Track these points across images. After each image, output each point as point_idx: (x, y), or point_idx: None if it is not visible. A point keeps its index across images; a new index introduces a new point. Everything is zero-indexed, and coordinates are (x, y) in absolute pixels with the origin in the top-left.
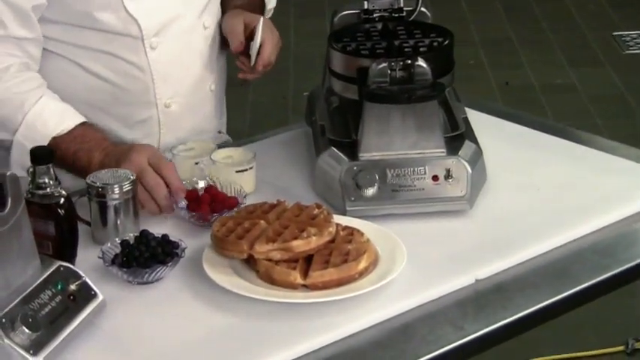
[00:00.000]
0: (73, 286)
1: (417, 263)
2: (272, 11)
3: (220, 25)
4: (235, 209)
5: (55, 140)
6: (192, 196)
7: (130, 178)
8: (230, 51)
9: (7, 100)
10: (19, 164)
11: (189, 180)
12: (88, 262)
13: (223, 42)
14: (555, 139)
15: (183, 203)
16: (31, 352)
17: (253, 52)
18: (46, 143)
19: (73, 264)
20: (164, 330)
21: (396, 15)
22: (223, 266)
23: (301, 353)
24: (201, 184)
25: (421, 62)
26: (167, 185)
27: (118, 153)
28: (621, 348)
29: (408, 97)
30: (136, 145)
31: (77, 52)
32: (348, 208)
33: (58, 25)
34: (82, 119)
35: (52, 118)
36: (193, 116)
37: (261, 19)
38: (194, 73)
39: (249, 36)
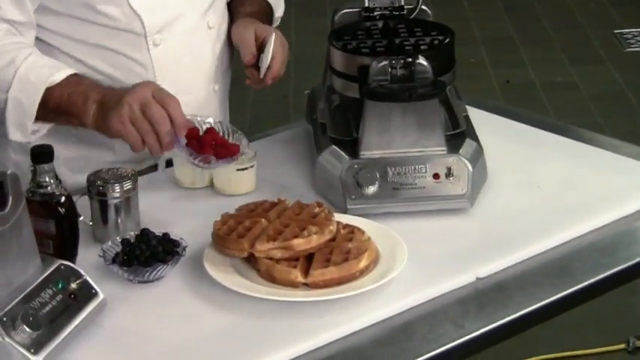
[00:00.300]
0: (73, 285)
1: (417, 261)
2: (280, 19)
3: (229, 31)
4: (236, 157)
5: (49, 90)
6: (193, 134)
7: (131, 176)
8: (236, 54)
9: None
10: (15, 122)
11: (191, 119)
12: (88, 260)
13: (229, 44)
14: (556, 137)
15: (183, 141)
16: (32, 350)
17: (263, 65)
18: (40, 94)
19: (74, 263)
20: (165, 329)
21: (397, 13)
22: (224, 265)
23: (302, 352)
24: (206, 124)
25: (422, 60)
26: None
27: (118, 91)
28: (622, 346)
29: (408, 95)
30: (138, 82)
31: (78, 46)
32: (348, 207)
33: (60, 17)
34: (75, 71)
35: (44, 69)
36: None
37: (273, 34)
38: (197, 73)
39: (260, 47)
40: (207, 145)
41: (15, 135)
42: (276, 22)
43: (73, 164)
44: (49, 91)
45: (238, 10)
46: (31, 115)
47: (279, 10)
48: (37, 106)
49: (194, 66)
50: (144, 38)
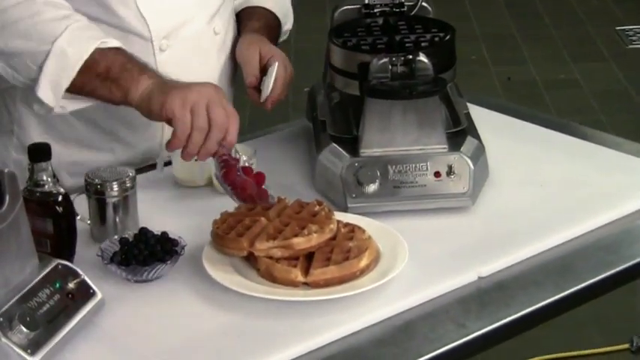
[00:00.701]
0: (71, 285)
1: (418, 260)
2: (288, 32)
3: (235, 41)
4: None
5: (100, 53)
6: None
7: (129, 175)
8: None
9: (48, 11)
10: (51, 78)
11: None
12: (86, 260)
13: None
14: (558, 135)
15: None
16: (29, 351)
17: (265, 91)
18: (90, 50)
19: (72, 262)
20: (164, 328)
21: (397, 10)
22: (223, 264)
23: (302, 352)
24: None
25: (422, 57)
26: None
27: (178, 83)
28: (626, 346)
29: (409, 93)
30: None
31: None
32: (349, 205)
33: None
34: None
35: (98, 32)
36: None
37: (276, 62)
38: (203, 78)
39: (263, 69)
40: (248, 186)
41: (45, 93)
42: (284, 36)
43: (74, 169)
44: (99, 53)
45: (245, 24)
46: (72, 70)
47: (287, 24)
48: (83, 61)
49: (200, 72)
50: (150, 43)
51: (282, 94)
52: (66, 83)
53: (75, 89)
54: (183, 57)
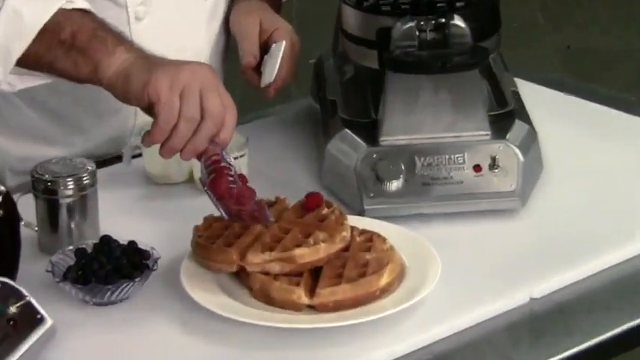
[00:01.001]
0: (13, 308)
1: (454, 277)
2: None
3: (228, 10)
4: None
5: (65, 14)
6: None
7: (88, 169)
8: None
9: None
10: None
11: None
12: (33, 276)
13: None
14: (630, 118)
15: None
16: None
17: (267, 76)
18: (51, 12)
19: (14, 279)
20: None
21: None
22: (207, 282)
23: None
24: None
25: (458, 21)
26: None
27: (164, 60)
28: None
29: (441, 66)
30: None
31: None
32: (366, 207)
33: None
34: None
35: None
36: None
37: (283, 42)
38: (187, 53)
39: (265, 45)
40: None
41: None
42: None
43: (22, 166)
44: (63, 15)
45: None
46: (28, 35)
47: None
48: (42, 24)
49: (184, 45)
50: (124, 9)
51: (289, 78)
52: (18, 52)
53: (29, 61)
54: (165, 27)
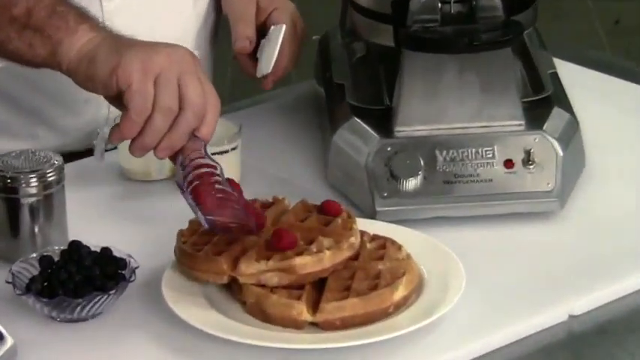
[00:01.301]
0: None
1: (480, 291)
2: None
3: None
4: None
5: None
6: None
7: (54, 163)
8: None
9: None
10: None
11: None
12: None
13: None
14: None
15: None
16: None
17: (265, 64)
18: None
19: None
20: None
21: None
22: (193, 295)
23: None
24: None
25: None
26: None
27: (136, 41)
28: None
29: (468, 44)
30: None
31: None
32: (378, 209)
33: None
34: None
35: None
36: None
37: (283, 26)
38: (171, 38)
39: (262, 27)
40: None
41: None
42: None
43: None
44: None
45: None
46: None
47: None
48: None
49: (164, 27)
50: None
51: (290, 67)
52: None
53: None
54: (141, 7)
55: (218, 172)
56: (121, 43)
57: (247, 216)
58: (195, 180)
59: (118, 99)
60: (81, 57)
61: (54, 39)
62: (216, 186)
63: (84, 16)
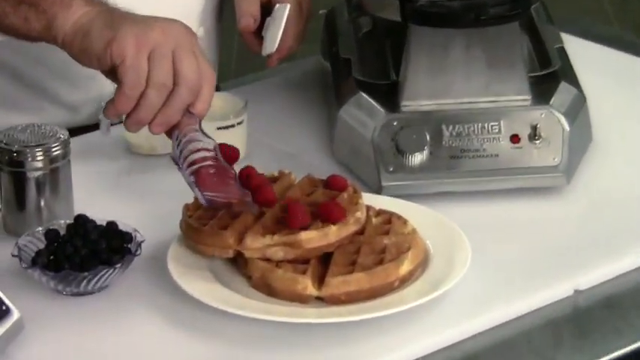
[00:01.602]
0: None
1: (486, 266)
2: None
3: None
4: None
5: None
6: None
7: (60, 137)
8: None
9: None
10: None
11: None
12: None
13: None
14: None
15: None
16: None
17: (270, 43)
18: None
19: None
20: None
21: None
22: (199, 269)
23: None
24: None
25: None
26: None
27: (131, 15)
28: None
29: (475, 18)
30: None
31: None
32: (384, 184)
33: None
34: None
35: None
36: None
37: (288, 5)
38: (173, 12)
39: (268, 3)
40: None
41: None
42: None
43: None
44: None
45: None
46: None
47: None
48: None
49: (170, 3)
50: None
51: (295, 46)
52: None
53: None
54: None
55: (212, 148)
56: (116, 17)
57: (243, 192)
58: (190, 157)
59: (113, 73)
60: (76, 30)
61: (49, 13)
62: (210, 162)
63: None
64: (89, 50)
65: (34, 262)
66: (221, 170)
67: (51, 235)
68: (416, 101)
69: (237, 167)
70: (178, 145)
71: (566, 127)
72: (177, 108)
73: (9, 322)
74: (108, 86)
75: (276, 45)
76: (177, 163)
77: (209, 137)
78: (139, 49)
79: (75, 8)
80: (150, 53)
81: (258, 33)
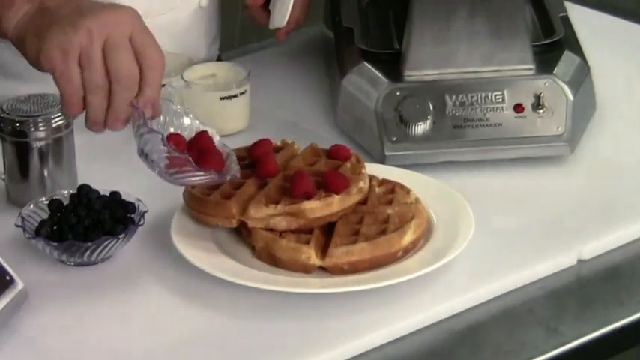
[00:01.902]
0: None
1: (489, 235)
2: None
3: None
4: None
5: None
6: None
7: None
8: None
9: None
10: None
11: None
12: (0, 233)
13: None
14: None
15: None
16: None
17: (277, 17)
18: None
19: None
20: (115, 334)
21: None
22: (203, 239)
23: None
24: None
25: None
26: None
27: (66, 9)
28: None
29: None
30: (111, 4)
31: None
32: (387, 154)
33: None
34: None
35: None
36: (171, 42)
37: None
38: None
39: None
40: (193, 149)
41: None
42: None
43: None
44: None
45: None
46: None
47: None
48: None
49: None
50: None
51: (302, 18)
52: None
53: None
54: None
55: (161, 140)
56: (45, 22)
57: (208, 172)
58: (145, 157)
59: None
60: (17, 35)
61: None
62: (164, 155)
63: None
64: (26, 58)
65: (38, 232)
66: (174, 162)
67: (54, 205)
68: (419, 71)
69: (241, 139)
70: (136, 137)
71: (570, 97)
72: (120, 106)
73: (13, 293)
74: None
75: (286, 19)
76: (140, 156)
77: (157, 131)
78: (66, 56)
79: (17, 6)
80: (79, 58)
81: (265, 5)
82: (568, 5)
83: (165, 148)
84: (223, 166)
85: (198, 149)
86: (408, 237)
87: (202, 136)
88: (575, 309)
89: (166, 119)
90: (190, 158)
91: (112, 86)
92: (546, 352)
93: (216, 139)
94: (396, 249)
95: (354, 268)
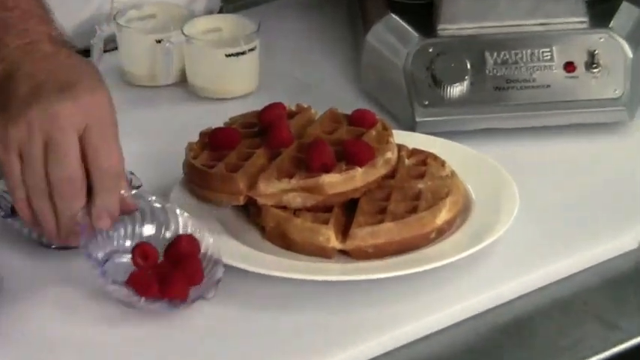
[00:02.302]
0: None
1: (536, 214)
2: None
3: None
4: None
5: None
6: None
7: None
8: None
9: None
10: None
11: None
12: None
13: None
14: None
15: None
16: None
17: None
18: None
19: None
20: (103, 326)
21: None
22: (205, 218)
23: None
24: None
25: None
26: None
27: (15, 95)
28: None
29: None
30: (84, 80)
31: None
32: (418, 119)
33: None
34: None
35: None
36: None
37: None
38: None
39: None
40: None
41: None
42: None
43: None
44: None
45: None
46: None
47: None
48: None
49: None
50: None
51: None
52: None
53: None
54: None
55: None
56: (3, 95)
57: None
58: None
59: None
60: None
61: None
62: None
63: (6, 27)
64: None
65: (14, 211)
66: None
67: None
68: (455, 24)
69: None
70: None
71: (629, 54)
72: (62, 217)
73: None
74: (105, 6)
75: None
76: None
77: (94, 259)
78: (7, 150)
79: None
80: (22, 158)
81: None
82: None
83: (102, 280)
84: (202, 278)
85: (177, 255)
86: (443, 216)
87: (182, 240)
88: (636, 300)
89: (135, 226)
90: (132, 290)
91: (52, 194)
92: (603, 350)
93: (152, 197)
94: (428, 230)
95: (380, 252)
